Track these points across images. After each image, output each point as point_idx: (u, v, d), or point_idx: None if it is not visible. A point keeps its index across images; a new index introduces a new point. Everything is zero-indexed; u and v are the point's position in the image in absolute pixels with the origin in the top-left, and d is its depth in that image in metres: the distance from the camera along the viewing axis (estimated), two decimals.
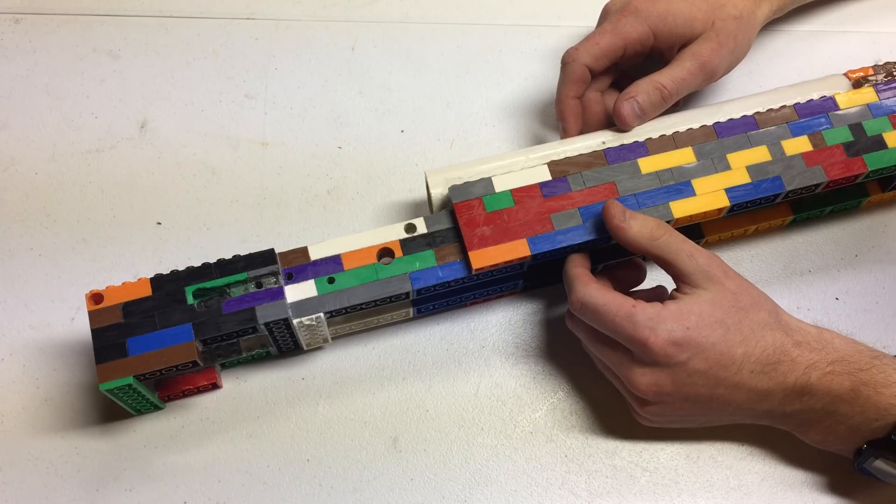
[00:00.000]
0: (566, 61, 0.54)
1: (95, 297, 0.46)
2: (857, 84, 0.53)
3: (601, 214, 0.47)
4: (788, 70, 0.62)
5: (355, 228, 0.56)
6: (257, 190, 0.58)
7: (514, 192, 0.49)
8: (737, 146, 0.50)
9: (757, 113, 0.51)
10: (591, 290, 0.45)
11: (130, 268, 0.55)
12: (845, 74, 0.54)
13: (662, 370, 0.44)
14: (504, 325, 0.53)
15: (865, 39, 0.63)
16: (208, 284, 0.46)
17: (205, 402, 0.51)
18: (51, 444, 0.50)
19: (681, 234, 0.46)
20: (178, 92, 0.61)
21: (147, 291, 0.46)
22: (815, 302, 0.54)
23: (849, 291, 0.54)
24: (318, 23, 0.64)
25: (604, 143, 0.51)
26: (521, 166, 0.50)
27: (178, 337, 0.45)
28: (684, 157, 0.50)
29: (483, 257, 0.47)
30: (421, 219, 0.49)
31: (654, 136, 0.51)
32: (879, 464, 0.44)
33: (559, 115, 0.55)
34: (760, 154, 0.50)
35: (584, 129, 0.55)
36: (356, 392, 0.51)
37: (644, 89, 0.52)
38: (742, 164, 0.49)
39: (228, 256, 0.48)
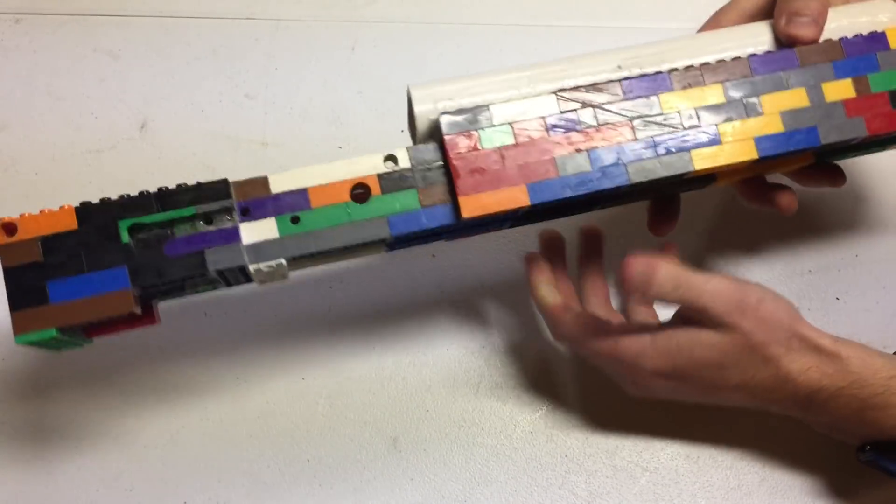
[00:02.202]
0: None
1: (7, 227, 0.38)
2: None
3: (613, 158, 0.42)
4: None
5: None
6: None
7: (514, 126, 0.41)
8: (772, 87, 0.43)
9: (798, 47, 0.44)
10: (568, 329, 0.45)
11: None
12: None
13: (654, 390, 0.45)
14: (505, 324, 0.53)
15: None
16: (147, 219, 0.39)
17: (204, 403, 0.51)
18: (51, 443, 0.50)
19: (697, 283, 0.42)
20: (178, 92, 0.61)
21: (72, 224, 0.39)
22: (815, 302, 0.54)
23: (849, 291, 0.54)
24: (318, 23, 0.64)
25: (619, 66, 0.44)
26: (523, 91, 0.42)
27: (111, 283, 0.38)
28: (712, 95, 0.43)
29: (475, 204, 0.41)
30: (403, 149, 0.41)
31: (680, 66, 0.44)
32: (882, 462, 0.44)
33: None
34: (798, 98, 0.43)
35: None
36: (356, 392, 0.51)
37: None
38: (776, 110, 0.43)
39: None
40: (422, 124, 0.42)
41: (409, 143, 0.43)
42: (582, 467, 0.49)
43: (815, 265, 0.55)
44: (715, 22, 0.47)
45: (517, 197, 0.41)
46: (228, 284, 0.44)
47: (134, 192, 0.58)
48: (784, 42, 0.45)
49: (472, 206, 0.41)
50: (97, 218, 0.39)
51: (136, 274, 0.39)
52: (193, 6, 0.65)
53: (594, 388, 0.51)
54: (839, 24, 0.45)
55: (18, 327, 0.38)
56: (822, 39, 0.45)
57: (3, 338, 0.52)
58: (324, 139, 0.60)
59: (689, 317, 0.44)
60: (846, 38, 0.45)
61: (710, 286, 0.42)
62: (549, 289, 0.46)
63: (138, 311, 0.40)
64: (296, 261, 0.42)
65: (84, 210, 0.39)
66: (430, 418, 0.51)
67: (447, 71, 0.62)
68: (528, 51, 0.63)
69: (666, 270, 0.42)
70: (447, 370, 0.52)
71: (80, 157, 0.59)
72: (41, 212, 0.39)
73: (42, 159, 0.59)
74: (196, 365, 0.51)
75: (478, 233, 0.46)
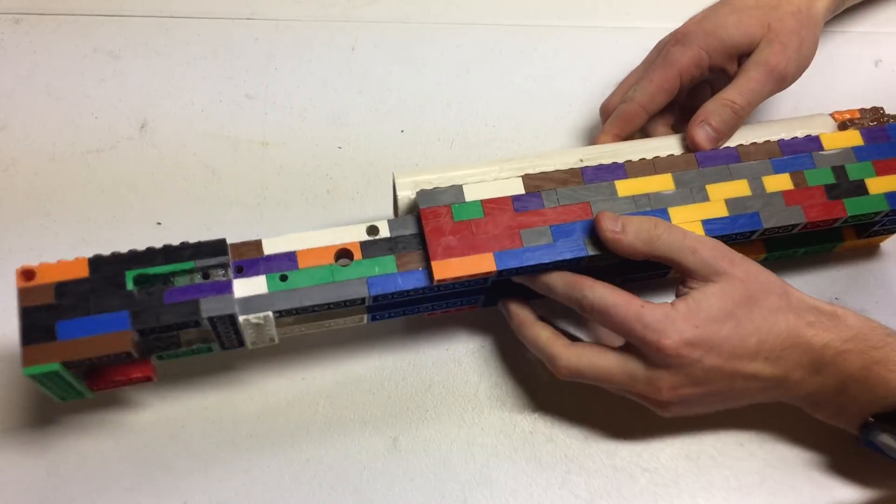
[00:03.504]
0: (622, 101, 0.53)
1: (27, 273, 0.42)
2: (843, 126, 0.52)
3: (572, 233, 0.46)
4: None
5: None
6: (257, 190, 0.58)
7: (484, 202, 0.47)
8: (717, 177, 0.49)
9: (740, 146, 0.50)
10: (598, 292, 0.44)
11: None
12: (831, 115, 0.53)
13: (678, 372, 0.43)
14: (504, 324, 0.53)
15: (865, 39, 0.63)
16: (151, 271, 0.43)
17: (206, 402, 0.51)
18: (51, 443, 0.50)
19: (680, 229, 0.45)
20: (178, 92, 0.61)
21: (84, 272, 0.43)
22: None
23: (849, 291, 0.54)
24: (318, 23, 0.65)
25: (581, 160, 0.50)
26: (494, 176, 0.48)
27: (113, 324, 0.42)
28: (663, 183, 0.48)
29: (446, 268, 0.45)
30: (384, 221, 0.46)
31: (634, 158, 0.50)
32: (885, 438, 0.44)
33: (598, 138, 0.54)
34: (740, 188, 0.49)
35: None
36: (356, 392, 0.51)
37: (713, 110, 0.50)
38: (721, 197, 0.48)
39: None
40: (403, 204, 0.48)
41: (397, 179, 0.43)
42: (582, 467, 0.49)
43: (814, 265, 0.55)
44: (647, 76, 0.53)
45: (484, 263, 0.45)
46: (223, 346, 0.47)
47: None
48: (687, 137, 0.51)
49: (443, 270, 0.45)
50: (107, 268, 0.43)
51: (137, 317, 0.42)
52: (193, 6, 0.65)
53: (594, 388, 0.51)
54: (780, 137, 0.51)
55: (27, 360, 0.41)
56: (762, 141, 0.51)
57: (4, 338, 0.52)
58: (324, 139, 0.60)
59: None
60: (784, 139, 0.51)
61: (691, 239, 0.44)
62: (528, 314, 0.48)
63: (136, 353, 0.43)
64: (283, 318, 0.45)
65: (96, 261, 0.44)
66: (430, 418, 0.51)
67: (447, 71, 0.62)
68: (528, 51, 0.63)
69: (638, 225, 0.45)
70: (447, 370, 0.52)
71: (80, 157, 0.59)
72: (58, 262, 0.43)
73: (42, 159, 0.59)
74: (196, 365, 0.51)
75: (454, 307, 0.51)
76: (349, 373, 0.52)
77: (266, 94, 0.61)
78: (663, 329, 0.43)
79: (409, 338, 0.53)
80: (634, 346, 0.44)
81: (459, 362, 0.52)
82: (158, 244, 0.55)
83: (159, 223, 0.56)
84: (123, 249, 0.55)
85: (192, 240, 0.55)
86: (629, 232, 0.45)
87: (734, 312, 0.43)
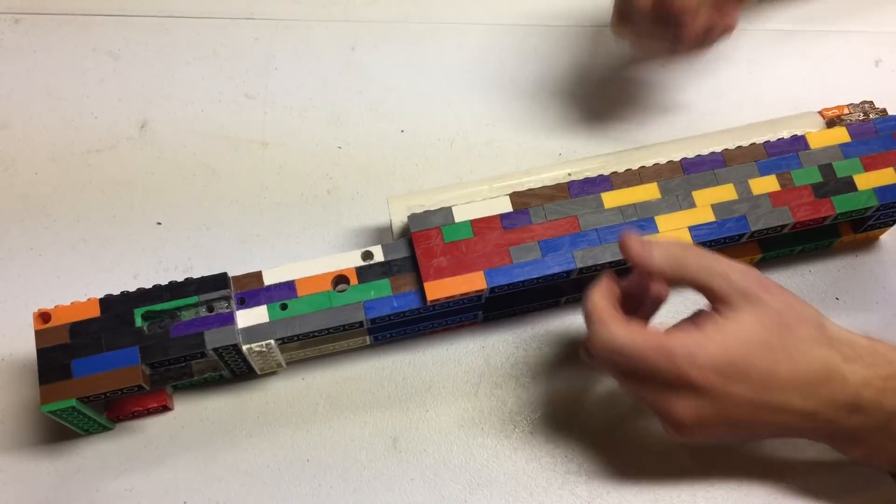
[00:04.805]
0: None
1: (43, 316, 0.45)
2: (831, 123, 0.52)
3: (560, 247, 0.47)
4: (789, 69, 0.62)
5: (355, 228, 0.56)
6: (257, 190, 0.58)
7: (473, 222, 0.48)
8: (703, 183, 0.49)
9: (725, 150, 0.51)
10: (614, 332, 0.41)
11: (130, 268, 0.55)
12: (820, 112, 0.53)
13: (703, 398, 0.41)
14: (504, 325, 0.53)
15: (865, 39, 0.63)
16: (157, 307, 0.45)
17: (206, 402, 0.51)
18: (52, 443, 0.50)
19: (708, 252, 0.42)
20: (178, 92, 0.61)
21: (95, 312, 0.45)
22: (815, 302, 0.54)
23: (849, 291, 0.54)
24: (318, 23, 0.65)
25: (570, 174, 0.51)
26: (483, 196, 0.49)
27: (124, 360, 0.44)
28: (649, 192, 0.49)
29: (439, 289, 0.46)
30: (378, 247, 0.48)
31: (620, 170, 0.50)
32: None
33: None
34: (726, 192, 0.49)
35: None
36: (356, 392, 0.51)
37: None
38: (707, 202, 0.49)
39: (216, 265, 0.47)
40: (396, 227, 0.50)
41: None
42: (581, 467, 0.49)
43: (815, 265, 0.55)
44: None
45: (475, 281, 0.47)
46: (233, 374, 0.50)
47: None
48: None
49: (435, 291, 0.46)
50: (116, 307, 0.46)
51: (146, 352, 0.45)
52: (193, 6, 0.65)
53: (595, 388, 0.51)
54: (768, 137, 0.51)
55: (45, 398, 0.44)
56: (748, 144, 0.51)
57: (4, 338, 0.52)
58: (324, 139, 0.60)
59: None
60: (769, 141, 0.51)
61: (721, 263, 0.42)
62: (605, 287, 0.44)
63: (147, 385, 0.46)
64: (286, 344, 0.47)
65: (106, 301, 0.46)
66: (430, 418, 0.51)
67: (447, 71, 0.62)
68: (528, 51, 0.63)
69: (666, 249, 0.42)
70: (447, 370, 0.52)
71: (80, 157, 0.59)
72: (72, 303, 0.46)
73: (42, 159, 0.59)
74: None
75: (452, 324, 0.52)
76: (349, 373, 0.52)
77: (266, 94, 0.61)
78: (692, 357, 0.40)
79: (409, 338, 0.53)
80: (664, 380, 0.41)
81: (459, 362, 0.52)
82: (158, 244, 0.55)
83: (159, 223, 0.56)
84: (123, 249, 0.55)
85: (192, 239, 0.56)
86: (655, 255, 0.42)
87: (768, 340, 0.40)
